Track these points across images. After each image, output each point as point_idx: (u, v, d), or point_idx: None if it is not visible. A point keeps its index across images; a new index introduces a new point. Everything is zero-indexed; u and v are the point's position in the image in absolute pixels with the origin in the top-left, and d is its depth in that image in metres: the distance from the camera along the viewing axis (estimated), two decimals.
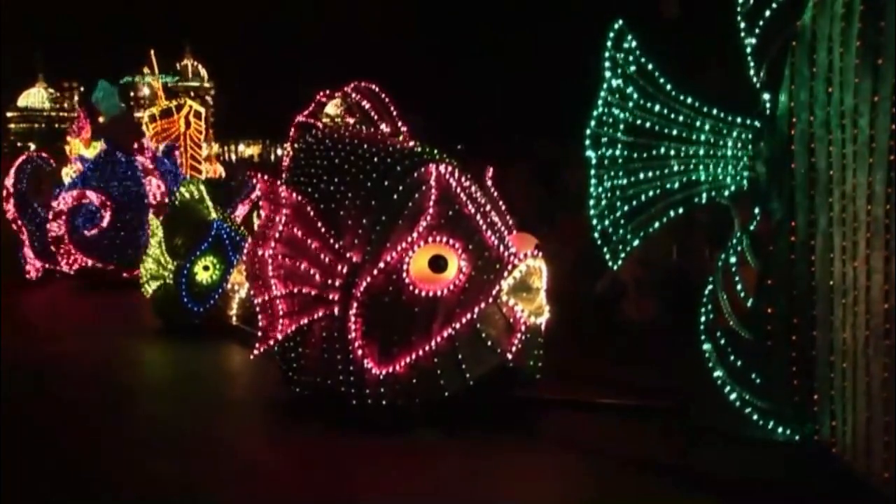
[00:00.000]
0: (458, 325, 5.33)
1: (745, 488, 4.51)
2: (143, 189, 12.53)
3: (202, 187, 9.19)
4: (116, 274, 12.20)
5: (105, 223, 12.21)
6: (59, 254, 12.32)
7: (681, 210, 5.20)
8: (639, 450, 5.13)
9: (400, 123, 6.37)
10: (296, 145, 6.35)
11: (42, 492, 4.69)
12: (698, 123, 5.10)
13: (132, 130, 13.50)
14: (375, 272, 5.37)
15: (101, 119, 14.28)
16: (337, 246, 5.52)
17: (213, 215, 8.84)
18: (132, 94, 59.54)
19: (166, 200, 11.53)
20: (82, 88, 62.56)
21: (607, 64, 5.33)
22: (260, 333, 5.83)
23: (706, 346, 5.01)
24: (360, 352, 5.37)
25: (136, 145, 12.92)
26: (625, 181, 5.29)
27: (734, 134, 4.97)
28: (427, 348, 5.34)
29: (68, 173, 13.19)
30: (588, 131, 5.35)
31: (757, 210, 4.80)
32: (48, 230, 12.36)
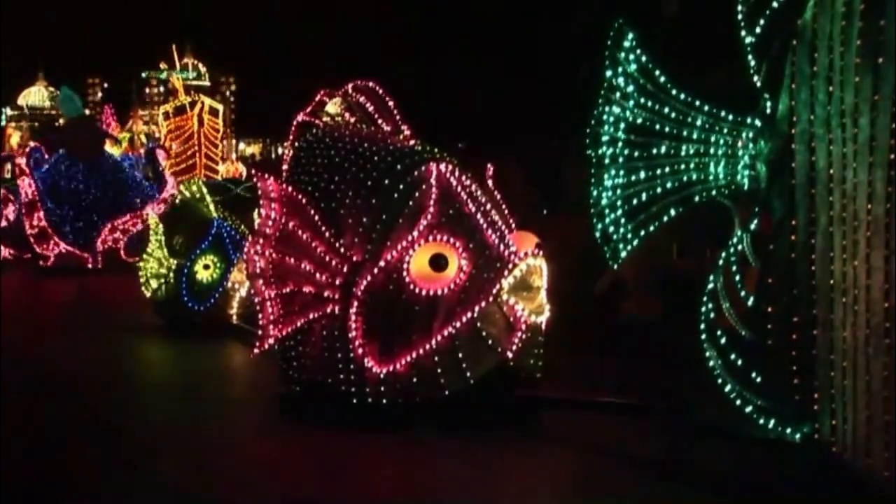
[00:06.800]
0: (458, 324, 5.33)
1: (745, 488, 4.50)
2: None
3: (202, 186, 9.19)
4: (34, 262, 13.36)
5: (10, 216, 13.06)
6: None
7: (681, 209, 5.20)
8: (638, 449, 5.13)
9: (400, 122, 6.37)
10: (296, 144, 6.35)
11: (46, 491, 4.69)
12: (698, 122, 5.10)
13: (92, 137, 14.12)
14: (376, 271, 5.37)
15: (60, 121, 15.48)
16: (337, 245, 5.52)
17: (214, 214, 8.84)
18: (146, 90, 58.91)
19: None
20: (106, 84, 61.88)
21: (607, 62, 5.33)
22: (260, 332, 5.83)
23: (707, 345, 5.00)
24: (360, 350, 5.37)
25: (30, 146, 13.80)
26: (625, 180, 5.28)
27: (735, 133, 4.96)
28: (427, 347, 5.34)
29: None
30: (588, 130, 5.35)
31: (757, 209, 4.79)
32: None
